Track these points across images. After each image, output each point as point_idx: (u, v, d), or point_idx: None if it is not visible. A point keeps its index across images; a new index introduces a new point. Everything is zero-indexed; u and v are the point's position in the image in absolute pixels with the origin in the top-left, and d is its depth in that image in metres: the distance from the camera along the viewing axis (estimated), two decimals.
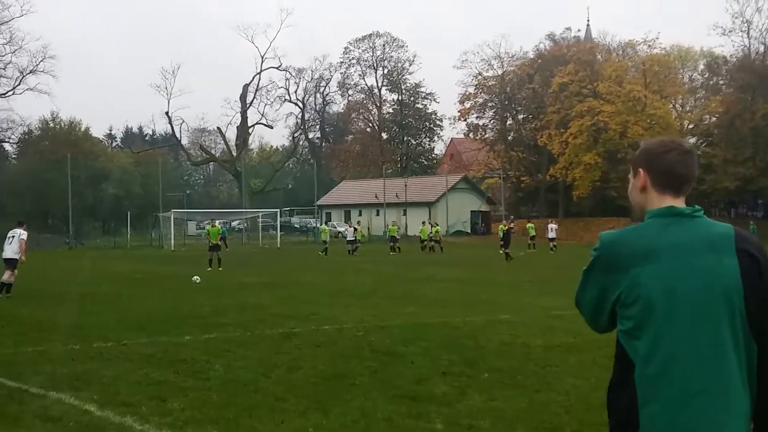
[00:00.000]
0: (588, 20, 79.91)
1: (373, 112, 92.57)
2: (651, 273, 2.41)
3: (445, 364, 9.60)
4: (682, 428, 2.32)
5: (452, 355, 10.28)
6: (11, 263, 18.78)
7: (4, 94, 60.37)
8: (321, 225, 47.04)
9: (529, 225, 46.31)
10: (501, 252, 34.76)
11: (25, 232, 19.35)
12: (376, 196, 70.37)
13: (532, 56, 75.76)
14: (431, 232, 44.37)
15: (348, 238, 42.35)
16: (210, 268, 28.19)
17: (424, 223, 48.11)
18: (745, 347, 2.40)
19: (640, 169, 2.62)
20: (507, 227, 36.23)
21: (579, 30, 77.33)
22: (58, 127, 77.17)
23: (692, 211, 2.51)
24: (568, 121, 64.22)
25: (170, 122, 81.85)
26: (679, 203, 2.54)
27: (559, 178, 66.15)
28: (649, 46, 68.60)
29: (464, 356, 10.16)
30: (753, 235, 2.56)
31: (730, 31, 65.03)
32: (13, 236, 19.09)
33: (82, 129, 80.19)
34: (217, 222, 34.58)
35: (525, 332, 12.25)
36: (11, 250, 18.79)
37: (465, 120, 78.94)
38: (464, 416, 7.10)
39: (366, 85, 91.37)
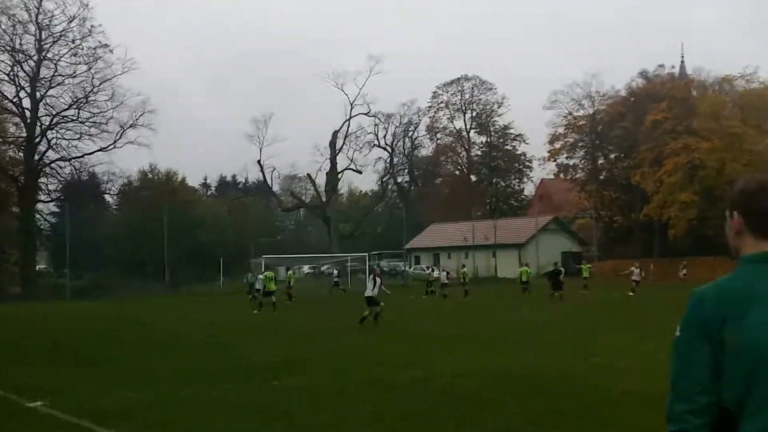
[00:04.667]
0: (682, 56, 78.21)
1: (461, 155, 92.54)
2: (754, 324, 2.19)
3: (534, 412, 9.27)
4: None
5: (541, 402, 9.94)
6: (373, 301, 23.12)
7: (105, 148, 62.85)
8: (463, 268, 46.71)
9: (585, 266, 45.53)
10: (555, 294, 33.87)
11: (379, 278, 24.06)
12: (465, 239, 69.94)
13: (624, 94, 74.51)
14: (457, 275, 42.41)
15: (442, 281, 42.08)
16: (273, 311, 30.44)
17: (524, 265, 47.39)
18: None
19: (735, 212, 2.40)
20: (554, 269, 35.84)
21: (673, 66, 75.44)
22: (156, 177, 79.93)
23: None
24: (662, 159, 62.61)
25: (262, 170, 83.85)
26: None
27: (654, 218, 64.36)
28: (747, 80, 66.57)
29: (554, 403, 9.79)
30: None
31: None
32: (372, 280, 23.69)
33: (179, 179, 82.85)
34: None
35: (619, 378, 11.74)
36: (370, 290, 23.34)
37: (555, 160, 78.08)
38: None
39: (454, 128, 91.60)
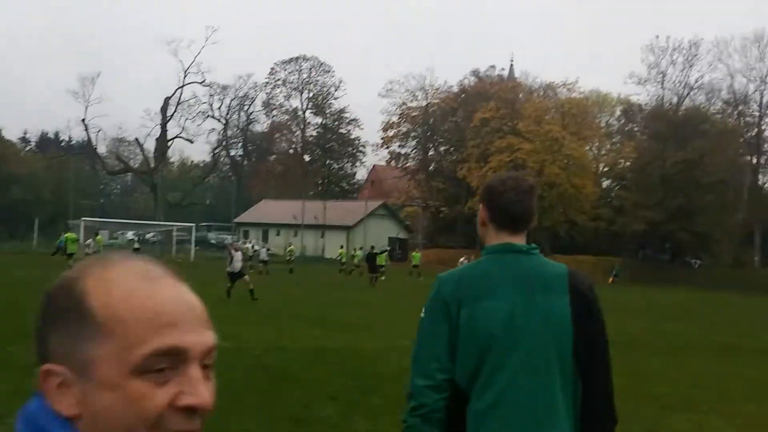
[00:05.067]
0: (512, 60, 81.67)
1: (296, 134, 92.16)
2: (488, 309, 2.40)
3: (338, 389, 9.56)
4: None
5: (347, 379, 10.25)
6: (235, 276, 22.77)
7: None
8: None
9: (416, 254, 47.23)
10: (373, 276, 35.09)
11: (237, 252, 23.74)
12: (294, 217, 70.03)
13: (456, 90, 76.92)
14: (284, 252, 43.34)
15: (261, 258, 41.98)
16: None
17: (342, 246, 48.32)
18: (571, 383, 2.44)
19: (481, 205, 2.65)
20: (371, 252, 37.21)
21: (503, 69, 78.75)
22: None
23: (528, 248, 2.53)
24: (488, 156, 65.19)
25: (86, 130, 79.97)
26: (518, 240, 2.55)
27: (477, 211, 66.84)
28: (569, 89, 70.46)
29: (359, 381, 10.14)
30: (584, 275, 2.59)
31: (645, 81, 67.36)
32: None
33: None
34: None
35: None
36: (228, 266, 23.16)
37: (388, 148, 79.60)
38: None
39: (291, 106, 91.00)
